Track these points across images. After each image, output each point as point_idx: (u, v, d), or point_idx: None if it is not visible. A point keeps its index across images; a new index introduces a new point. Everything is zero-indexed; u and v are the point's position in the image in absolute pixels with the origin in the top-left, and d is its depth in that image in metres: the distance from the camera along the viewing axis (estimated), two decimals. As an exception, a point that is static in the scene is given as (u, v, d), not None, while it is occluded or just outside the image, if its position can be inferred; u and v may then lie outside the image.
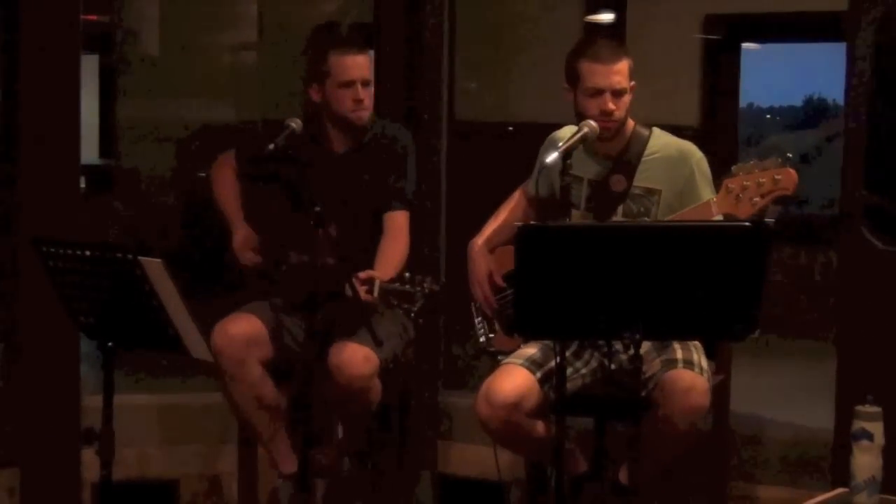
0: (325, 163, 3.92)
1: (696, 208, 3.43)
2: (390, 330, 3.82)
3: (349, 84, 3.83)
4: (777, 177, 3.23)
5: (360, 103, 3.84)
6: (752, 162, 3.29)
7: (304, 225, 3.48)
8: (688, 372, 3.38)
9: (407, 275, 3.50)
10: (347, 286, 3.49)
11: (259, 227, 3.95)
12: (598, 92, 3.49)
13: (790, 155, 3.28)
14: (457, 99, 4.80)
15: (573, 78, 3.55)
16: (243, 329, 3.77)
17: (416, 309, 3.42)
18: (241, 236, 3.94)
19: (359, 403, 3.76)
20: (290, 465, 3.85)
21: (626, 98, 3.53)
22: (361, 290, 3.49)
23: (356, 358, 3.65)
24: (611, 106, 3.49)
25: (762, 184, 3.24)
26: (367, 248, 3.82)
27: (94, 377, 3.64)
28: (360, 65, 3.86)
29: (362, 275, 3.54)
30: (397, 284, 3.45)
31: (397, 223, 3.90)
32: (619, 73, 3.50)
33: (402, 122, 4.25)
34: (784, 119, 8.36)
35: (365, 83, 3.85)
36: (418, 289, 3.40)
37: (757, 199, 3.25)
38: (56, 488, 4.21)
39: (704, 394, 3.37)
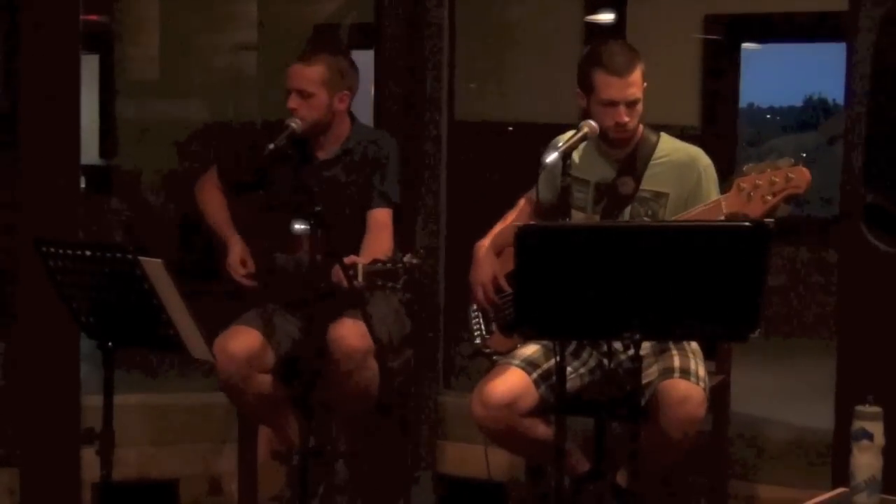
0: (309, 167, 3.94)
1: (707, 208, 3.41)
2: (383, 311, 3.88)
3: (288, 92, 3.87)
4: (790, 175, 3.22)
5: (294, 112, 3.85)
6: (764, 162, 3.28)
7: (289, 227, 3.57)
8: (683, 382, 3.36)
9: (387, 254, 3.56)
10: (333, 273, 3.55)
11: (247, 234, 3.97)
12: (613, 104, 3.48)
13: (804, 155, 3.27)
14: (457, 99, 4.79)
15: (587, 87, 3.53)
16: (242, 345, 3.78)
17: (399, 285, 3.46)
18: (237, 255, 3.95)
19: (357, 389, 3.78)
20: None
21: (640, 106, 3.52)
22: (347, 277, 3.52)
23: (354, 332, 3.71)
24: (625, 118, 3.48)
25: (774, 182, 3.23)
26: (353, 250, 3.83)
27: (94, 377, 3.64)
28: (297, 74, 3.88)
29: (346, 260, 3.57)
30: (379, 265, 3.49)
31: (380, 220, 3.94)
32: (634, 83, 3.48)
33: (403, 123, 4.23)
34: (784, 119, 8.36)
35: (300, 93, 3.85)
36: (399, 265, 3.44)
37: (769, 196, 3.23)
38: (56, 488, 4.21)
39: (699, 405, 3.35)
